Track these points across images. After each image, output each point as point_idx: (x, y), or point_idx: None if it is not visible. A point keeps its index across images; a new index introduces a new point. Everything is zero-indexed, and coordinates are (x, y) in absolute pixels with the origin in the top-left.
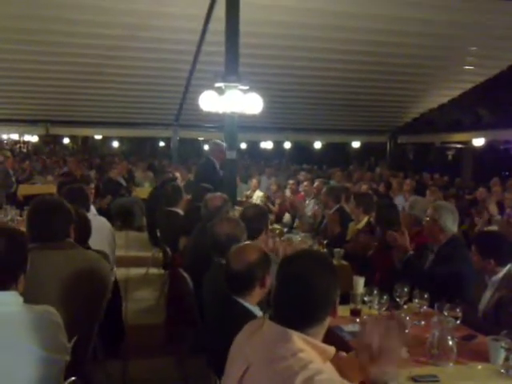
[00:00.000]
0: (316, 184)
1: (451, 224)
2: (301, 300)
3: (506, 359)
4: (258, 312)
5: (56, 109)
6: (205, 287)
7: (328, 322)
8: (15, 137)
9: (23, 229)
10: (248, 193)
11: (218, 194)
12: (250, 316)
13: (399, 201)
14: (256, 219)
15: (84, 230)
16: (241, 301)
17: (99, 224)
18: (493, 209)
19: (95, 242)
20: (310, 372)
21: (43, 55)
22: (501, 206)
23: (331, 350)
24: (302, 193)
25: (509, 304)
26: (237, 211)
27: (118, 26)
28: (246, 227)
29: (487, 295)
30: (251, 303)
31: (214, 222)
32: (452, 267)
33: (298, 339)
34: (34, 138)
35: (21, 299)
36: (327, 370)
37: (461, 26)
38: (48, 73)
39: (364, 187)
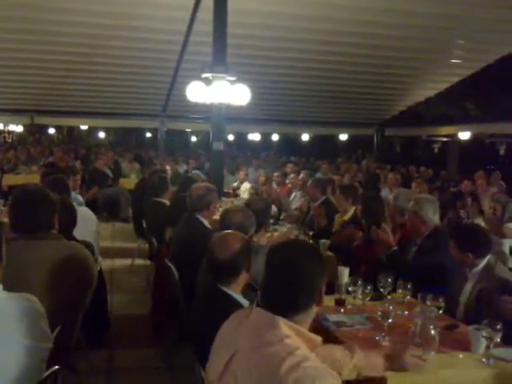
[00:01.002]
0: (301, 176)
1: (432, 215)
2: (287, 285)
3: (487, 348)
4: (242, 300)
5: (41, 98)
6: (199, 276)
7: (314, 311)
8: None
9: (7, 219)
10: (235, 184)
11: (204, 183)
12: (233, 304)
13: (385, 193)
14: (262, 213)
15: (69, 219)
16: (225, 289)
17: (83, 214)
18: (486, 205)
19: (79, 232)
20: (296, 358)
21: (29, 44)
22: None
23: (317, 339)
24: (289, 185)
25: (489, 295)
26: (224, 202)
27: (104, 15)
28: None
29: (468, 287)
30: (235, 291)
31: (228, 209)
32: (434, 259)
33: (284, 325)
34: (19, 128)
35: (0, 286)
36: (313, 358)
37: (448, 19)
38: (34, 62)
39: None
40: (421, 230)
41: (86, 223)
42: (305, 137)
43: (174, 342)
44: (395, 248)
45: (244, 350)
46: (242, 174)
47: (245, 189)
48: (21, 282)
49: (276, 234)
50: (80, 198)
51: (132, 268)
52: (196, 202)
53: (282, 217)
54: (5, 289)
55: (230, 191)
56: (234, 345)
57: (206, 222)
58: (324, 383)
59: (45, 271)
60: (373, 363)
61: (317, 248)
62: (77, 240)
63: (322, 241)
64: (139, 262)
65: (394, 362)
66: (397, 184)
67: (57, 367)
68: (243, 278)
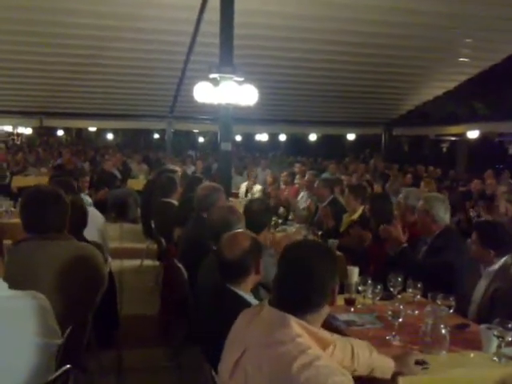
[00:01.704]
0: (307, 177)
1: (443, 214)
2: (299, 285)
3: (499, 347)
4: (252, 299)
5: (50, 100)
6: (200, 275)
7: (326, 311)
8: (9, 129)
9: (17, 220)
10: (244, 185)
11: (211, 183)
12: (243, 304)
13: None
14: (260, 213)
15: (80, 220)
16: (234, 289)
17: (90, 215)
18: (502, 207)
19: (87, 232)
20: (308, 357)
21: (37, 46)
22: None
23: (329, 338)
24: (297, 185)
25: (504, 295)
26: (231, 203)
27: (111, 17)
28: (249, 221)
29: (482, 285)
30: (245, 291)
31: (210, 210)
32: (445, 258)
33: (295, 325)
34: (28, 130)
35: (5, 285)
36: (325, 357)
37: (456, 17)
38: (42, 64)
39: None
40: (432, 229)
41: (93, 223)
42: (312, 137)
43: (183, 341)
44: (405, 245)
45: (255, 347)
46: (252, 177)
47: (256, 191)
48: (32, 281)
49: (279, 234)
50: (88, 198)
51: (140, 268)
52: (201, 201)
53: (290, 217)
54: (11, 287)
55: (240, 191)
56: (244, 342)
57: None
58: (336, 382)
59: (56, 271)
60: (386, 366)
61: (330, 248)
62: (87, 241)
63: (331, 240)
64: (148, 262)
65: (402, 369)
66: (402, 186)
67: (68, 366)
68: (252, 278)
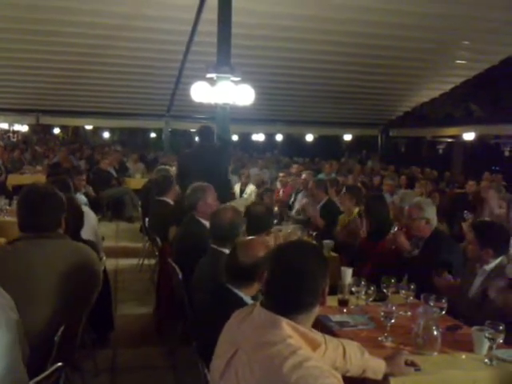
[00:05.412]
0: (304, 176)
1: (434, 214)
2: (290, 286)
3: (490, 349)
4: (250, 302)
5: (47, 98)
6: (198, 273)
7: (316, 311)
8: (5, 126)
9: (12, 218)
10: (238, 185)
11: (199, 184)
12: (241, 305)
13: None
14: (262, 217)
15: (77, 220)
16: (234, 290)
17: (85, 214)
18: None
19: (82, 231)
20: (299, 358)
21: (34, 44)
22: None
23: (319, 339)
24: (290, 185)
25: (499, 293)
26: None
27: (109, 16)
28: (250, 223)
29: (477, 282)
30: (246, 294)
31: (215, 210)
32: (442, 259)
33: (287, 326)
34: (24, 128)
35: None
36: (316, 358)
37: (453, 19)
38: (39, 62)
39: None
40: (426, 233)
41: (87, 222)
42: (309, 137)
43: (178, 340)
44: (415, 252)
45: (246, 348)
46: (244, 176)
47: (250, 191)
48: (28, 280)
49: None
50: (84, 197)
51: (136, 267)
52: (187, 199)
53: (285, 217)
54: (10, 287)
55: (235, 192)
56: (236, 343)
57: (203, 221)
58: (326, 383)
59: (51, 270)
60: (377, 367)
61: (319, 248)
62: (84, 241)
63: (326, 241)
64: (143, 261)
65: (393, 369)
66: (395, 188)
67: (59, 364)
68: (256, 286)
